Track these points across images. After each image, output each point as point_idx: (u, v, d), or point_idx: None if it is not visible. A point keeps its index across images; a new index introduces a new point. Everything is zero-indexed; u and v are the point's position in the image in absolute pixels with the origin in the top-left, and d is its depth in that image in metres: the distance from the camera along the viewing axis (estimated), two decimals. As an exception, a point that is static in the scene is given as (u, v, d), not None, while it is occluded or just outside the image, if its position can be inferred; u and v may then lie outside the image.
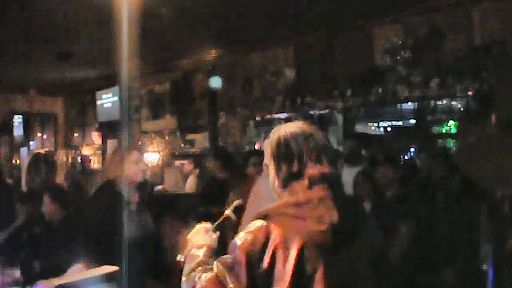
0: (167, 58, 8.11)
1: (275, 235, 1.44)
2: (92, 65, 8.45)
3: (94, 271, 1.75)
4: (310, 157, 1.57)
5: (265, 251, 1.42)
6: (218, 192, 4.18)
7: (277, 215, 1.50)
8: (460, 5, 5.47)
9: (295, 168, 1.57)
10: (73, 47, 7.20)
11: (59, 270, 2.72)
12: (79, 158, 10.62)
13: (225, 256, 1.51)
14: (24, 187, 4.29)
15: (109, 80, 8.74)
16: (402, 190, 4.15)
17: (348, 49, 6.48)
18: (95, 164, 10.31)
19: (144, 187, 3.24)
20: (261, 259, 1.42)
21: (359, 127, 6.58)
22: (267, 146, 1.66)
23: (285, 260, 1.41)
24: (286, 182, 1.58)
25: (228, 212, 1.79)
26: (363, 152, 5.77)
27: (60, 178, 4.44)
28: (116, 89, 9.28)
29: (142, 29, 4.94)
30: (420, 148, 5.48)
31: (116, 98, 9.42)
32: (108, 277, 1.74)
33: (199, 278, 1.53)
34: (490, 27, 5.26)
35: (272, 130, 1.67)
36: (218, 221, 1.80)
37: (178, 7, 5.53)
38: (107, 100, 9.71)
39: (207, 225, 1.80)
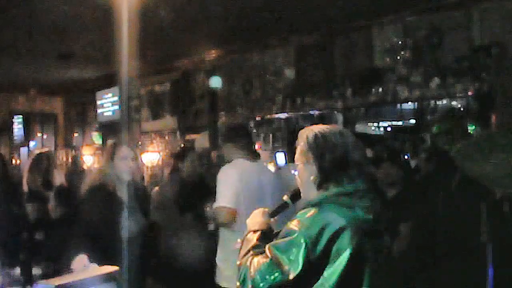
0: (167, 58, 8.11)
1: (328, 222, 1.52)
2: (92, 65, 8.46)
3: (94, 271, 1.75)
4: (351, 148, 1.64)
5: (318, 237, 1.50)
6: (195, 193, 4.08)
7: (329, 203, 1.57)
8: (460, 5, 5.48)
9: (340, 158, 1.62)
10: (73, 47, 7.21)
11: (59, 270, 2.71)
12: (78, 158, 10.61)
13: (279, 240, 1.57)
14: (25, 187, 4.28)
15: (109, 80, 8.74)
16: (403, 190, 4.14)
17: (348, 49, 6.48)
18: (95, 164, 10.30)
19: (136, 184, 3.16)
20: (315, 245, 1.49)
21: (359, 127, 6.57)
22: (301, 144, 1.69)
23: (339, 245, 1.50)
24: (330, 173, 1.62)
25: (285, 198, 1.83)
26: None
27: (61, 178, 4.43)
28: (116, 89, 9.28)
29: (142, 29, 4.94)
30: (420, 148, 5.47)
31: (116, 98, 9.42)
32: (108, 277, 1.74)
33: (250, 262, 1.60)
34: (490, 27, 5.26)
35: (299, 133, 1.72)
36: (276, 207, 1.86)
37: (177, 7, 5.53)
38: (107, 100, 9.71)
39: (265, 209, 1.87)
